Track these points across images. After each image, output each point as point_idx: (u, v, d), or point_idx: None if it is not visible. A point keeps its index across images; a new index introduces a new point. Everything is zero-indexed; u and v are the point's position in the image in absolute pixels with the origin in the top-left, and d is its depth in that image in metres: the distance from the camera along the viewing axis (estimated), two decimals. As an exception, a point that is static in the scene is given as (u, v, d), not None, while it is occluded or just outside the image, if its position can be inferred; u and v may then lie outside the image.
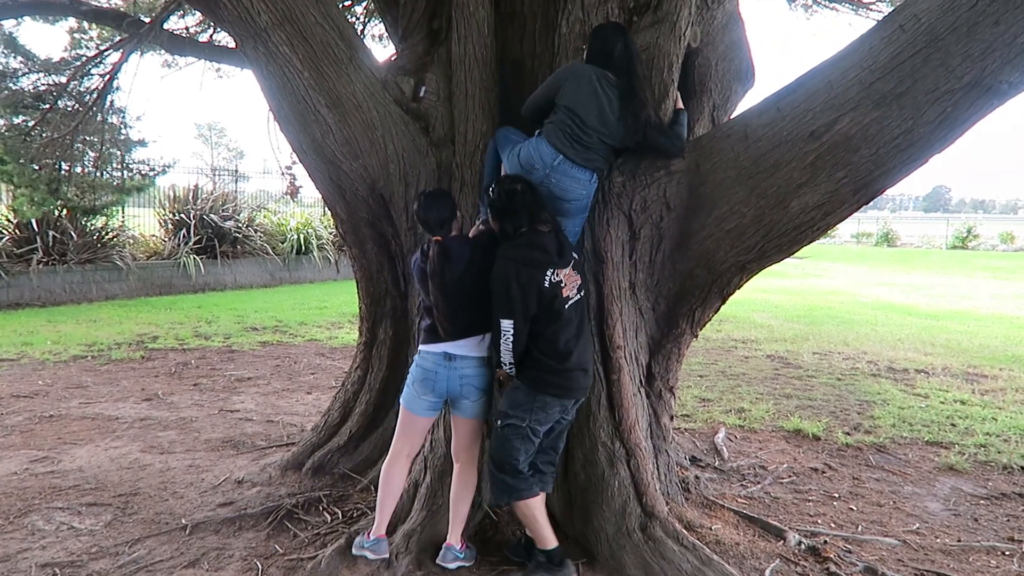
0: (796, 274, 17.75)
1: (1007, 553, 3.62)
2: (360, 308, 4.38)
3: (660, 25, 3.34)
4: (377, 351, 4.28)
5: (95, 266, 11.42)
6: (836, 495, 4.31)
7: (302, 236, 14.76)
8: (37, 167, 7.77)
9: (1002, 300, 13.45)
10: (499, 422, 3.07)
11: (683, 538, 3.18)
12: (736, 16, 3.87)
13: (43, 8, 6.35)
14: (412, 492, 3.50)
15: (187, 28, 7.27)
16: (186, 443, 4.93)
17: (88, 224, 11.68)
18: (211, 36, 7.28)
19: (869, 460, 4.92)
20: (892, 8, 4.16)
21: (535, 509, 3.06)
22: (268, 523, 3.64)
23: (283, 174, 7.07)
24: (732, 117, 3.76)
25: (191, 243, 12.78)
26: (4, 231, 11.01)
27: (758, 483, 4.43)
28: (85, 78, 7.15)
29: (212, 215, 13.36)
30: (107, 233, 12.09)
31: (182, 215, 13.18)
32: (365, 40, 6.02)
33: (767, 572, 3.25)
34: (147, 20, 6.19)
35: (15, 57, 7.01)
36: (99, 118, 7.43)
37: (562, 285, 2.97)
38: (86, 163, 8.44)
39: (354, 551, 3.19)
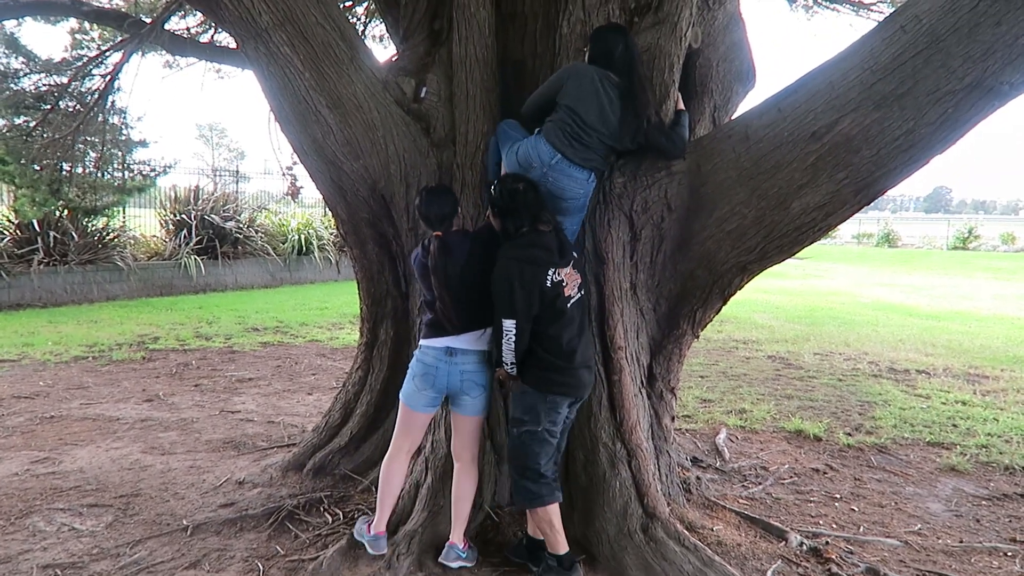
0: (797, 275, 17.74)
1: (1009, 554, 3.62)
2: (361, 309, 4.38)
3: (661, 26, 3.34)
4: (378, 352, 4.28)
5: (96, 267, 11.42)
6: (838, 496, 4.31)
7: (303, 237, 14.77)
8: (38, 167, 7.78)
9: (1003, 301, 13.44)
10: (515, 430, 3.07)
11: (685, 539, 3.17)
12: (737, 17, 3.87)
13: (44, 8, 6.35)
14: (413, 493, 3.50)
15: (188, 29, 7.28)
16: (187, 444, 4.93)
17: (89, 225, 11.69)
18: (212, 37, 7.29)
19: (871, 461, 4.92)
20: (893, 9, 4.16)
21: (553, 515, 3.06)
22: (269, 524, 3.64)
23: (284, 175, 7.06)
24: (733, 118, 3.75)
25: (192, 244, 12.79)
26: (5, 232, 11.02)
27: (759, 484, 4.42)
28: (86, 79, 7.16)
29: (213, 216, 13.36)
30: (108, 234, 12.10)
31: (183, 216, 13.18)
32: (366, 41, 6.02)
33: (769, 573, 3.25)
34: (148, 21, 6.20)
35: (17, 57, 7.01)
36: (100, 119, 7.44)
37: (564, 284, 2.97)
38: (87, 164, 8.44)
39: (355, 535, 3.24)
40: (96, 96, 7.08)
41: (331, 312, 10.99)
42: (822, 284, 16.10)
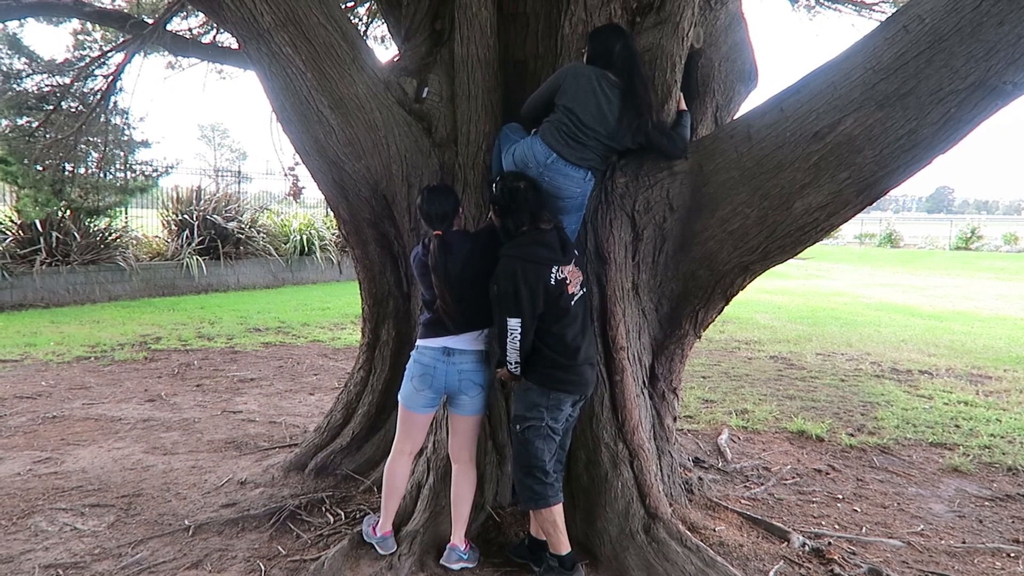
0: (799, 275, 17.73)
1: (1012, 555, 3.61)
2: (363, 309, 4.38)
3: (663, 26, 3.34)
4: (380, 352, 4.28)
5: (98, 267, 11.44)
6: (840, 496, 4.30)
7: (305, 237, 14.77)
8: (41, 168, 7.78)
9: (1006, 301, 13.42)
10: (517, 427, 3.07)
11: (687, 540, 3.17)
12: (739, 17, 3.87)
13: (47, 9, 6.36)
14: (415, 493, 3.50)
15: (190, 29, 7.28)
16: (189, 444, 4.94)
17: (91, 225, 11.70)
18: (214, 37, 7.29)
19: (873, 461, 4.91)
20: (895, 9, 4.15)
21: (557, 515, 3.06)
22: (271, 524, 3.64)
23: (286, 175, 7.05)
24: (735, 118, 3.75)
25: (194, 244, 12.79)
26: (8, 232, 11.03)
27: (762, 484, 4.42)
28: (89, 79, 7.16)
29: (215, 216, 13.37)
30: (110, 234, 12.11)
31: (185, 216, 13.19)
32: (368, 41, 6.03)
33: (771, 574, 3.24)
34: (150, 21, 6.20)
35: (19, 58, 7.02)
36: (103, 119, 7.44)
37: (567, 282, 2.97)
38: (90, 164, 8.44)
39: (364, 536, 3.26)
40: (98, 97, 7.08)
41: (333, 312, 10.99)
42: (824, 284, 16.08)
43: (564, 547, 3.07)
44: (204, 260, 12.76)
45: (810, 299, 13.35)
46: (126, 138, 8.42)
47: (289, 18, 3.21)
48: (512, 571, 3.25)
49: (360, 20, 7.48)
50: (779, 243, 3.22)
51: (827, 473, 4.68)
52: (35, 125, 7.26)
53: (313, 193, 18.13)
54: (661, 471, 3.68)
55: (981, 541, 3.77)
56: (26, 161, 7.59)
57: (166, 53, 7.35)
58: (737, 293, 3.58)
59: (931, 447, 5.21)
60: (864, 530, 3.86)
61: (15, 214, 10.79)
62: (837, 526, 3.90)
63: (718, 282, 3.45)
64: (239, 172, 16.69)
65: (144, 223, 13.66)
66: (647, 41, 3.36)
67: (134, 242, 12.68)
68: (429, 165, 3.65)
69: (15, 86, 7.05)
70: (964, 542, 3.75)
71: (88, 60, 7.08)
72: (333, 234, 15.02)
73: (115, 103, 7.49)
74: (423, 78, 3.76)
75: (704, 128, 3.77)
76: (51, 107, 7.10)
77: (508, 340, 2.93)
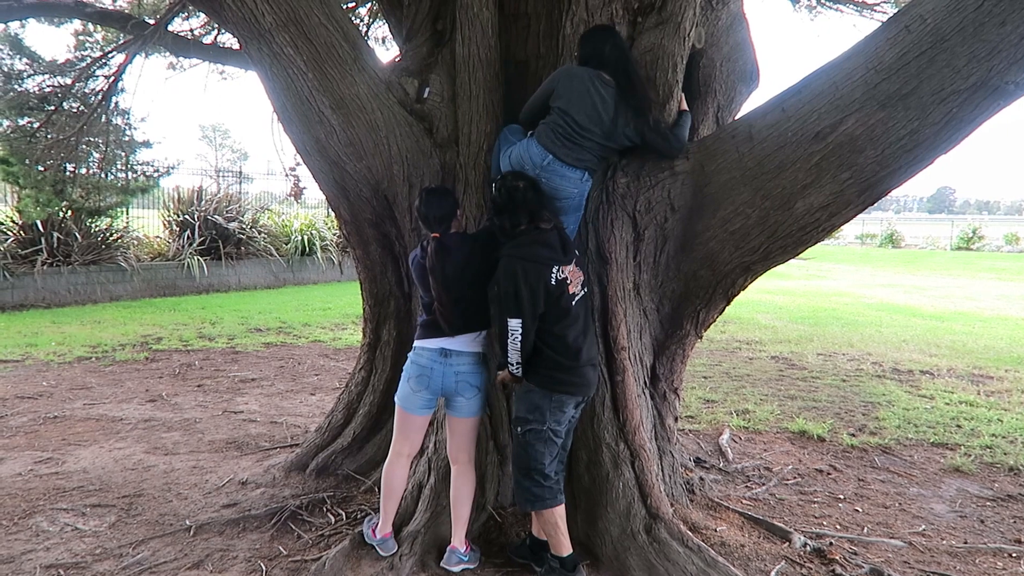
0: (800, 275, 17.72)
1: (1014, 555, 3.61)
2: (364, 309, 4.38)
3: (664, 26, 3.33)
4: (381, 352, 4.28)
5: (99, 267, 11.44)
6: (841, 496, 4.30)
7: (306, 237, 14.78)
8: (42, 168, 7.80)
9: (1007, 301, 13.41)
10: (519, 429, 3.06)
11: (688, 540, 3.17)
12: (740, 17, 3.87)
13: (48, 10, 6.36)
14: (416, 494, 3.50)
15: (191, 30, 7.29)
16: (190, 444, 4.94)
17: (92, 225, 11.71)
18: (215, 38, 7.30)
19: (874, 461, 4.90)
20: (897, 9, 4.15)
21: (558, 517, 3.05)
22: (272, 524, 3.64)
23: (287, 175, 7.06)
24: (737, 118, 3.75)
25: (195, 244, 12.80)
26: (9, 232, 11.04)
27: (763, 484, 4.41)
28: (90, 80, 7.17)
29: (216, 216, 13.38)
30: (111, 234, 12.12)
31: (186, 216, 13.20)
32: (369, 42, 6.02)
33: (772, 574, 3.24)
34: (152, 22, 6.21)
35: (20, 59, 7.03)
36: (104, 119, 7.45)
37: (568, 282, 2.97)
38: (91, 164, 8.46)
39: (365, 538, 3.26)
40: (100, 97, 7.09)
41: (334, 313, 11.00)
42: (825, 285, 16.07)
43: (565, 548, 3.07)
44: (205, 260, 12.76)
45: (811, 299, 13.35)
46: (127, 138, 8.43)
47: (290, 18, 3.21)
48: (514, 571, 3.25)
49: (361, 21, 7.48)
50: (780, 243, 3.22)
51: (828, 473, 4.68)
52: (36, 126, 7.28)
53: (314, 193, 18.17)
54: (662, 471, 3.67)
55: (983, 541, 3.76)
56: (27, 161, 7.60)
57: (167, 54, 7.36)
58: (738, 293, 3.58)
59: (932, 447, 5.21)
60: (865, 530, 3.86)
61: (16, 214, 10.81)
62: (838, 526, 3.89)
63: (719, 282, 3.44)
64: (240, 172, 16.69)
65: (145, 223, 13.67)
66: (648, 41, 3.35)
67: (135, 242, 12.69)
68: (430, 165, 3.65)
69: (16, 87, 7.06)
70: (966, 542, 3.75)
71: (89, 61, 7.08)
72: (334, 234, 15.03)
73: (116, 103, 7.50)
74: (424, 78, 3.76)
75: (706, 128, 3.76)
76: (52, 108, 7.11)
77: (509, 341, 2.93)
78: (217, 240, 13.17)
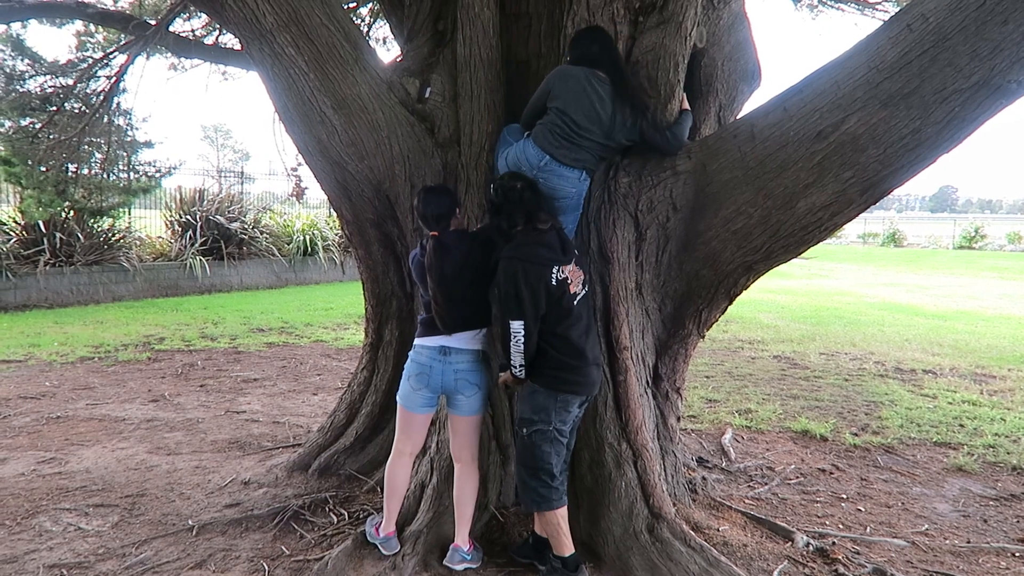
0: (802, 275, 17.70)
1: (1017, 555, 3.60)
2: (366, 309, 4.38)
3: (666, 25, 3.33)
4: (383, 352, 4.28)
5: (102, 267, 11.46)
6: (844, 496, 4.30)
7: (308, 237, 14.79)
8: (44, 169, 7.79)
9: (1010, 300, 13.39)
10: (524, 430, 3.05)
11: (690, 539, 3.17)
12: (742, 16, 3.86)
13: (50, 11, 6.37)
14: (418, 493, 3.50)
15: (193, 30, 7.29)
16: (193, 444, 4.94)
17: (95, 226, 11.73)
18: (217, 38, 7.30)
19: (877, 461, 4.90)
20: (899, 8, 4.14)
21: (561, 518, 3.05)
22: (274, 524, 3.64)
23: (289, 175, 7.07)
24: (738, 117, 3.75)
25: (197, 244, 12.81)
26: (11, 233, 11.06)
27: (765, 484, 4.41)
28: (92, 80, 7.17)
29: (218, 216, 13.39)
30: (114, 235, 12.14)
31: (188, 216, 13.22)
32: (370, 42, 6.03)
33: (775, 574, 3.24)
34: (153, 23, 6.21)
35: (22, 59, 7.02)
36: (106, 120, 7.45)
37: (568, 282, 2.96)
38: (93, 165, 8.45)
39: (368, 537, 3.26)
40: (101, 98, 7.10)
41: (336, 313, 11.00)
42: (828, 284, 16.06)
43: (568, 548, 3.07)
44: (207, 260, 12.78)
45: (813, 299, 13.33)
46: (129, 139, 8.43)
47: (291, 19, 3.21)
48: (516, 571, 3.25)
49: (362, 21, 7.48)
50: (782, 243, 3.21)
51: (831, 473, 4.67)
52: (38, 126, 7.27)
53: (316, 193, 18.10)
54: (665, 471, 3.67)
55: (986, 541, 3.76)
56: (30, 162, 7.60)
57: (169, 54, 7.36)
58: (740, 293, 3.57)
59: (935, 446, 5.20)
60: (868, 530, 3.86)
61: (19, 215, 10.82)
62: (841, 526, 3.89)
63: (721, 282, 3.44)
64: (242, 173, 16.72)
65: (147, 224, 13.69)
66: (650, 41, 3.35)
67: (137, 243, 12.70)
68: (432, 165, 3.65)
69: (18, 87, 7.06)
70: (968, 542, 3.74)
71: (91, 61, 7.09)
72: (336, 234, 15.03)
73: (118, 104, 7.50)
74: (426, 78, 3.76)
75: (707, 128, 3.76)
76: (54, 108, 7.11)
77: (512, 343, 2.92)
78: (219, 240, 13.18)
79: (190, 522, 3.66)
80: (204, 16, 6.96)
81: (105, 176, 8.82)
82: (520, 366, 2.96)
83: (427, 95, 3.74)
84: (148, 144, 8.87)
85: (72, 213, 10.83)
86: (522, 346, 2.91)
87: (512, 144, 3.25)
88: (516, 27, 3.70)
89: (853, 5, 7.26)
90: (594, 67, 3.16)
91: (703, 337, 3.82)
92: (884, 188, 2.96)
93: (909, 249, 29.35)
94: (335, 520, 3.69)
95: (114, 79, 6.96)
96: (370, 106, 3.45)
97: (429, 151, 3.65)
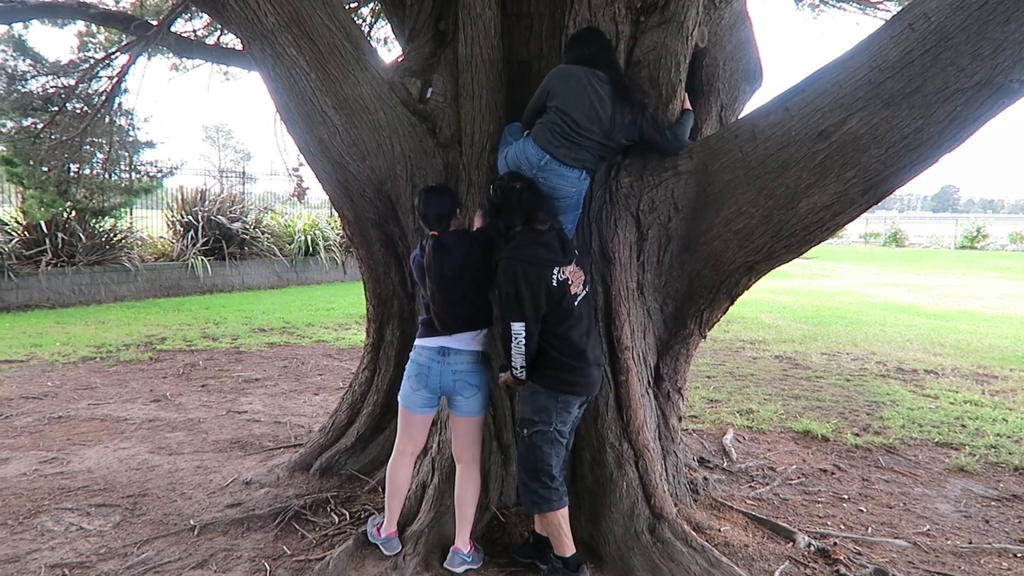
0: (804, 275, 17.69)
1: (1019, 555, 3.59)
2: (367, 309, 4.38)
3: (667, 25, 3.33)
4: (384, 352, 4.28)
5: (103, 268, 11.47)
6: (845, 496, 4.29)
7: (309, 237, 14.80)
8: (46, 169, 7.80)
9: (1011, 300, 13.37)
10: (525, 431, 3.04)
11: (692, 540, 3.16)
12: (743, 16, 3.86)
13: (51, 11, 6.38)
14: (419, 493, 3.50)
15: (194, 31, 7.30)
16: (194, 444, 4.95)
17: (97, 226, 11.74)
18: (218, 39, 7.31)
19: (879, 461, 4.89)
20: (900, 7, 4.14)
21: (562, 518, 3.05)
22: (276, 524, 3.64)
23: (290, 176, 7.08)
24: (740, 117, 3.74)
25: (199, 245, 12.83)
26: (13, 233, 11.08)
27: (767, 484, 4.41)
28: (93, 80, 7.18)
29: (220, 217, 13.41)
30: (115, 235, 12.15)
31: (190, 217, 13.23)
32: (371, 42, 6.02)
33: (776, 574, 3.24)
34: (154, 23, 6.22)
35: (24, 60, 7.03)
36: (107, 120, 7.46)
37: (569, 283, 2.96)
38: (95, 165, 8.46)
39: (369, 537, 3.26)
40: (103, 98, 7.10)
41: (337, 313, 11.01)
42: (829, 284, 16.04)
43: (569, 549, 3.07)
44: (209, 261, 12.79)
45: (815, 298, 13.32)
46: (131, 139, 8.44)
47: (293, 19, 3.21)
48: (517, 571, 3.25)
49: (364, 21, 7.49)
50: (784, 243, 3.21)
51: (832, 473, 4.67)
52: (40, 126, 7.28)
53: (317, 193, 18.11)
54: (666, 471, 3.67)
55: (987, 541, 3.75)
56: (31, 162, 7.61)
57: (170, 55, 7.37)
58: (742, 293, 3.57)
59: (937, 447, 5.20)
60: (870, 530, 3.85)
61: (21, 215, 10.83)
62: (843, 526, 3.89)
63: (723, 282, 3.44)
64: (243, 173, 16.74)
65: (149, 224, 13.71)
66: (651, 40, 3.35)
67: (139, 243, 12.72)
68: (433, 165, 3.65)
69: (20, 88, 7.07)
70: (970, 542, 3.74)
71: (93, 62, 7.10)
72: (337, 234, 15.04)
73: (120, 104, 7.51)
74: (427, 78, 3.76)
75: (709, 127, 3.76)
76: (56, 108, 7.12)
77: (513, 345, 2.91)
78: (221, 240, 13.20)
79: (192, 522, 3.66)
80: (206, 16, 6.97)
81: (107, 176, 8.83)
82: (521, 367, 2.95)
83: (428, 95, 3.74)
84: (150, 144, 8.88)
85: (74, 213, 10.84)
86: (523, 347, 2.90)
87: (512, 144, 3.25)
88: (518, 27, 3.70)
89: (855, 4, 7.25)
90: (592, 67, 3.16)
91: (704, 337, 3.82)
92: (886, 188, 2.96)
93: (911, 249, 29.32)
94: (336, 520, 3.69)
95: (116, 79, 6.97)
96: (372, 106, 3.45)
97: (430, 151, 3.65)
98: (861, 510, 4.11)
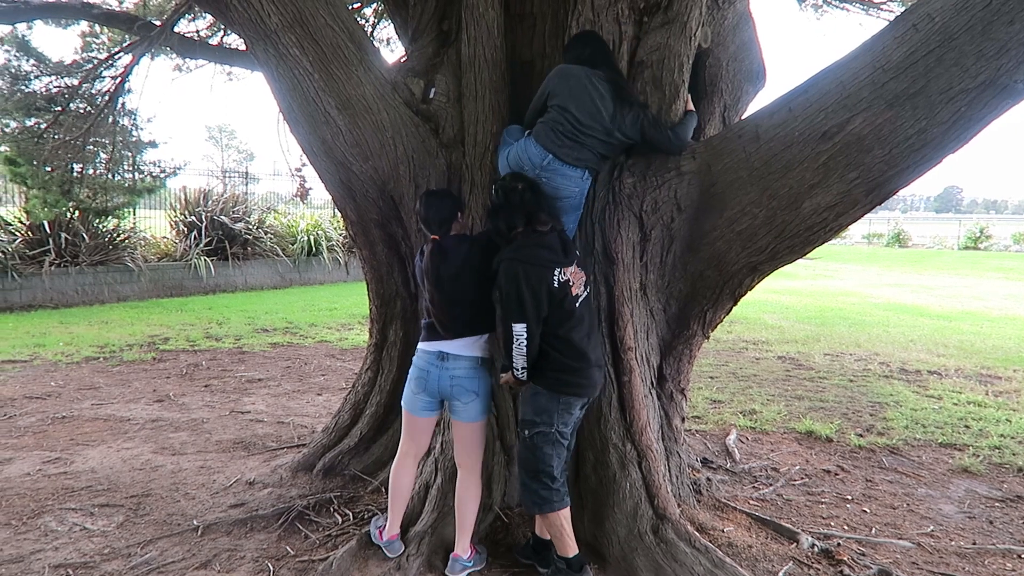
0: (807, 275, 17.67)
1: (1022, 556, 3.59)
2: (370, 309, 4.39)
3: (671, 26, 3.33)
4: (387, 352, 4.28)
5: (107, 268, 11.49)
6: (849, 497, 4.29)
7: (312, 238, 14.81)
8: (50, 169, 7.82)
9: (1015, 301, 13.35)
10: (526, 432, 3.04)
11: (695, 540, 3.16)
12: (747, 16, 3.86)
13: (55, 11, 6.40)
14: (423, 494, 3.50)
15: (197, 31, 7.32)
16: (197, 444, 4.95)
17: (100, 226, 11.75)
18: (221, 39, 7.32)
19: (882, 462, 4.89)
20: (904, 8, 4.13)
21: (564, 519, 3.04)
22: (279, 524, 3.65)
23: (293, 176, 7.09)
24: (743, 117, 3.74)
25: (202, 245, 12.84)
26: (17, 233, 11.09)
27: (770, 485, 4.40)
28: (97, 81, 7.20)
29: (223, 217, 13.42)
30: (119, 235, 12.16)
31: (193, 217, 13.24)
32: (374, 42, 6.03)
33: (780, 575, 3.23)
34: (158, 23, 6.23)
35: (28, 60, 7.05)
36: (111, 120, 7.48)
37: (570, 284, 2.96)
38: (98, 165, 8.48)
39: (372, 539, 3.26)
40: (106, 98, 7.12)
41: (340, 313, 11.01)
42: (832, 284, 16.02)
43: (571, 549, 3.06)
44: (212, 261, 12.80)
45: (818, 299, 13.31)
46: (134, 139, 8.46)
47: (296, 19, 3.21)
48: (519, 572, 3.25)
49: (367, 21, 7.50)
50: (788, 243, 3.20)
51: (836, 474, 4.66)
52: (44, 126, 7.30)
53: (320, 194, 18.17)
54: (669, 472, 3.67)
55: (991, 542, 3.75)
56: (35, 162, 7.63)
57: (174, 55, 7.39)
58: (745, 293, 3.57)
59: (941, 448, 5.19)
60: (873, 531, 3.85)
61: (24, 215, 10.85)
62: (846, 527, 3.88)
63: (726, 282, 3.43)
64: (246, 173, 16.77)
65: (152, 224, 13.73)
66: (654, 41, 3.35)
67: (142, 243, 12.74)
68: (436, 166, 3.65)
69: (24, 88, 7.09)
70: (974, 543, 3.73)
71: (96, 62, 7.12)
72: (340, 235, 15.06)
73: (123, 104, 7.53)
74: (430, 79, 3.76)
75: (712, 128, 3.76)
76: (59, 108, 7.14)
77: (514, 346, 2.90)
78: (223, 240, 13.21)
79: (195, 522, 3.67)
80: (209, 17, 6.98)
81: (110, 176, 8.84)
82: (522, 368, 2.95)
83: (431, 95, 3.74)
84: (153, 144, 8.89)
85: (77, 213, 10.85)
86: (524, 348, 2.90)
87: (513, 144, 3.24)
88: (520, 27, 3.70)
89: (858, 5, 7.25)
90: (592, 68, 3.16)
91: (708, 338, 3.81)
92: (889, 189, 2.95)
93: (914, 249, 29.28)
94: (339, 520, 3.69)
95: (119, 79, 6.98)
96: (375, 106, 3.45)
97: (433, 151, 3.65)
98: (865, 511, 4.11)
